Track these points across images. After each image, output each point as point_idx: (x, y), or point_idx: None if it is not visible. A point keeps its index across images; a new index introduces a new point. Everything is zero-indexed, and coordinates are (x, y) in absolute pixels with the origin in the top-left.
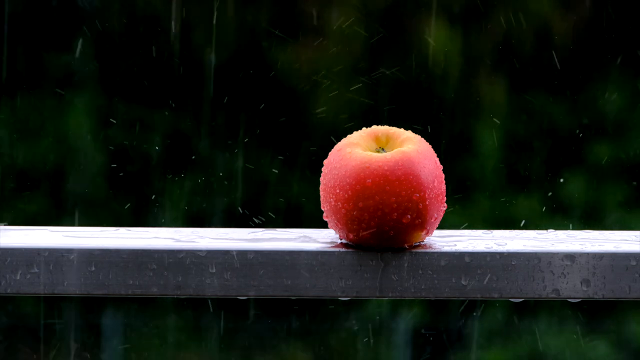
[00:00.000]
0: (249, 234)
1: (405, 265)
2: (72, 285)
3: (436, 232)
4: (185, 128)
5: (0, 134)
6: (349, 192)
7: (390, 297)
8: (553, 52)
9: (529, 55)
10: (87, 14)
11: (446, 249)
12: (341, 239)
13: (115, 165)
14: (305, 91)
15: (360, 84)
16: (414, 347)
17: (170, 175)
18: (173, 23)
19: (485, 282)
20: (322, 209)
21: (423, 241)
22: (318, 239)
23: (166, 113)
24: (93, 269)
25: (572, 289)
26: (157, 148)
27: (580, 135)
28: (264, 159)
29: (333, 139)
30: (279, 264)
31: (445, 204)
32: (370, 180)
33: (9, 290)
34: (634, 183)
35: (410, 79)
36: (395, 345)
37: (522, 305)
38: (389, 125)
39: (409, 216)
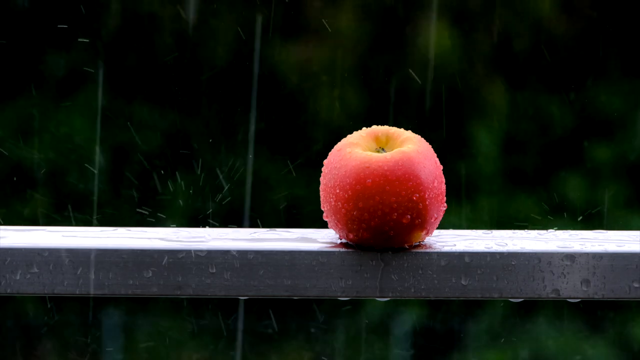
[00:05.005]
0: (249, 234)
1: (405, 265)
2: (72, 285)
3: (436, 232)
4: (185, 128)
5: (0, 134)
6: (349, 192)
7: (390, 297)
8: (553, 51)
9: (528, 55)
10: (87, 13)
11: (446, 249)
12: (341, 239)
13: (115, 165)
14: (306, 91)
15: (360, 83)
16: (414, 347)
17: (171, 175)
18: (174, 22)
19: (485, 282)
20: (322, 209)
21: (423, 241)
22: (318, 239)
23: (166, 113)
24: (93, 269)
25: (572, 289)
26: (157, 148)
27: (580, 135)
28: (264, 158)
29: (333, 139)
30: (279, 264)
31: (445, 204)
32: (370, 180)
33: (9, 290)
34: (634, 183)
35: (410, 79)
36: (395, 345)
37: (522, 305)
38: (389, 125)
39: (409, 216)
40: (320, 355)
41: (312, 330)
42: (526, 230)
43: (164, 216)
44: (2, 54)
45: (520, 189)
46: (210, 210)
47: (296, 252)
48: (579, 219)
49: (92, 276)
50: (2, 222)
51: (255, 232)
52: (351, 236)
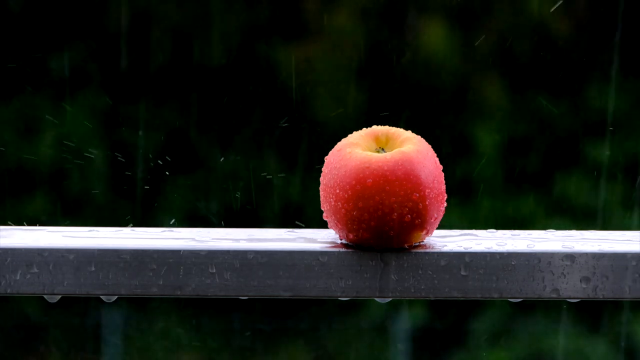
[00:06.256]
0: (249, 234)
1: (405, 265)
2: (72, 285)
3: (436, 232)
4: (186, 128)
5: (0, 134)
6: (349, 192)
7: (390, 297)
8: (552, 51)
9: (528, 55)
10: (88, 13)
11: (446, 249)
12: (341, 239)
13: (115, 165)
14: (305, 91)
15: (360, 83)
16: (414, 347)
17: (171, 176)
18: (174, 23)
19: (485, 282)
20: (322, 209)
21: (423, 241)
22: (318, 239)
23: (167, 113)
24: (93, 269)
25: (572, 289)
26: (157, 147)
27: (580, 135)
28: (264, 159)
29: (333, 139)
30: (279, 264)
31: (446, 204)
32: (370, 180)
33: (9, 290)
34: (634, 183)
35: (410, 79)
36: (395, 345)
37: (522, 305)
38: (389, 125)
39: (409, 216)
40: (321, 355)
41: (312, 330)
42: (526, 230)
43: (164, 216)
44: (3, 54)
45: (520, 189)
46: (211, 210)
47: (296, 252)
48: (578, 219)
49: (92, 276)
50: (2, 222)
51: (255, 232)
52: (351, 236)
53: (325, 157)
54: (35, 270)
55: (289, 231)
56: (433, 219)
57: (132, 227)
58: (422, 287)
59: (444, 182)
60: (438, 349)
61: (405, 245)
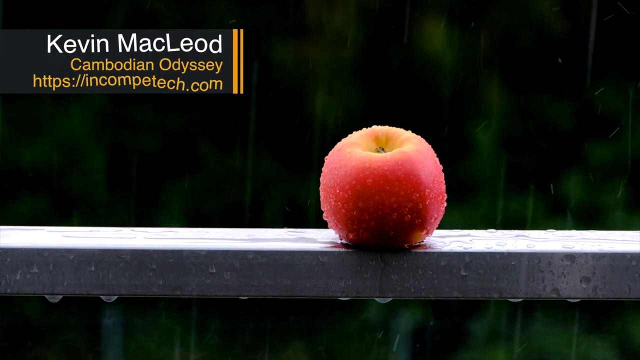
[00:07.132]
0: (248, 234)
1: (405, 265)
2: (72, 285)
3: (436, 232)
4: (185, 127)
5: (0, 134)
6: (349, 192)
7: (391, 297)
8: (552, 51)
9: (528, 55)
10: (87, 12)
11: (446, 249)
12: (341, 239)
13: (115, 165)
14: (305, 90)
15: (360, 83)
16: (414, 347)
17: (171, 176)
18: (174, 21)
19: (485, 282)
20: (322, 209)
21: (423, 241)
22: (318, 239)
23: (166, 113)
24: (93, 269)
25: (572, 289)
26: (157, 147)
27: (580, 135)
28: (263, 158)
29: (332, 139)
30: (279, 264)
31: (446, 204)
32: (370, 180)
33: (9, 290)
34: (634, 183)
35: (410, 79)
36: (395, 345)
37: (522, 305)
38: (389, 125)
39: (409, 216)
40: (321, 355)
41: (312, 330)
42: (526, 230)
43: (164, 216)
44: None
45: (520, 188)
46: (210, 211)
47: (296, 252)
48: (579, 219)
49: (92, 276)
50: (2, 222)
51: (255, 232)
52: (351, 236)
53: (325, 157)
54: (35, 270)
55: (289, 231)
56: (433, 219)
57: (131, 227)
58: (422, 287)
59: (444, 182)
60: (438, 349)
61: (405, 245)
